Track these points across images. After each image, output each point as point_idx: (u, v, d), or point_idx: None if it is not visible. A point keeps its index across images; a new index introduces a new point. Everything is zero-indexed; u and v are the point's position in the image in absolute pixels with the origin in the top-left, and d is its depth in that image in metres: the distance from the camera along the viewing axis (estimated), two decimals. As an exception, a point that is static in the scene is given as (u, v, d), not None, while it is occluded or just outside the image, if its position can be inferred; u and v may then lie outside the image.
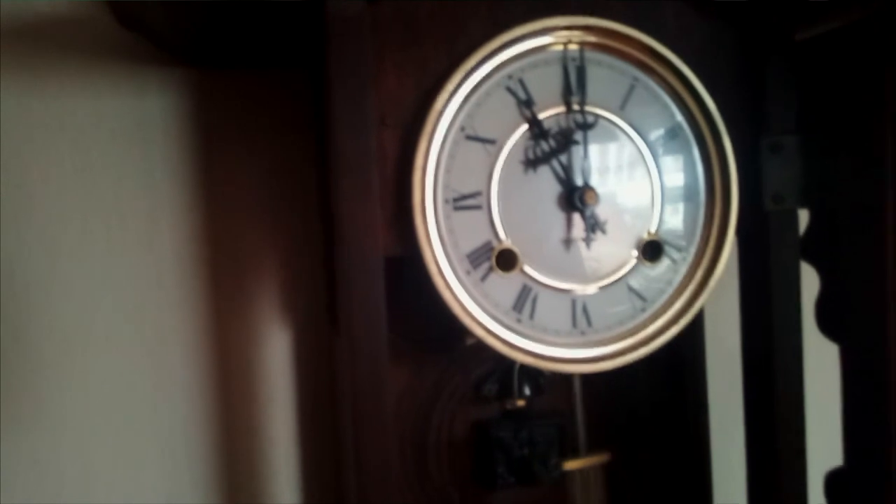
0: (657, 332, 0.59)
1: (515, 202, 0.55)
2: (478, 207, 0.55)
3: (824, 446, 0.66)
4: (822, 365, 0.64)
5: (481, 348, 0.68)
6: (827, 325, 0.64)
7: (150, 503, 0.68)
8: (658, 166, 0.59)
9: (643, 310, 0.59)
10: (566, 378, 0.72)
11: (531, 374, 0.71)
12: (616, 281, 0.58)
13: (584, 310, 0.57)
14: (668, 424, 0.74)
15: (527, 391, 0.71)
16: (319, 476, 0.72)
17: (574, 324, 0.57)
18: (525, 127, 0.55)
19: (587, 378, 0.66)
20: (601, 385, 0.69)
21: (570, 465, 0.63)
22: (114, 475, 0.67)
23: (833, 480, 0.65)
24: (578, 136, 0.56)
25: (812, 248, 0.64)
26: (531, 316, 0.56)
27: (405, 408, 0.70)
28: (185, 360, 0.69)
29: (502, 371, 0.71)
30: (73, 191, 0.65)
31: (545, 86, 0.56)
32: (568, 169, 0.56)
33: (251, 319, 0.71)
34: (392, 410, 0.66)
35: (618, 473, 0.67)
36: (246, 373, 0.70)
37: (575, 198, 0.56)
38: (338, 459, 0.72)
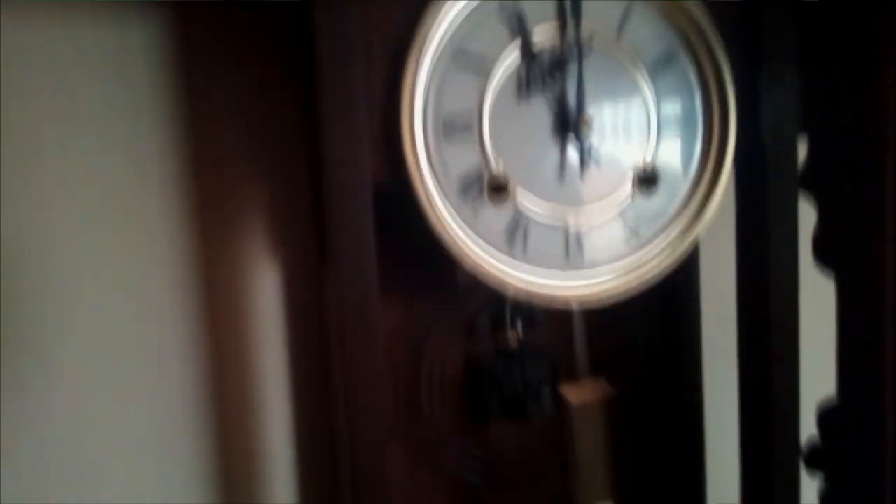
0: (651, 264, 0.58)
1: (508, 130, 0.54)
2: (469, 134, 0.53)
3: (818, 382, 0.66)
4: (817, 300, 0.64)
5: (474, 283, 0.69)
6: (824, 257, 0.63)
7: (141, 434, 0.68)
8: (655, 94, 0.57)
9: (637, 241, 0.58)
10: (560, 314, 0.71)
11: (524, 309, 0.71)
12: (611, 210, 0.57)
13: (578, 241, 0.56)
14: (661, 361, 0.74)
15: (520, 326, 0.71)
16: (311, 413, 0.72)
17: (567, 255, 0.56)
18: (518, 51, 0.53)
19: (582, 313, 0.65)
20: (594, 320, 0.68)
21: (570, 394, 0.63)
22: (103, 408, 0.67)
23: (826, 415, 0.65)
24: (573, 61, 0.54)
25: (810, 180, 0.63)
26: (523, 248, 0.55)
27: (396, 343, 0.69)
28: (172, 298, 0.68)
29: (495, 306, 0.71)
30: (54, 128, 0.63)
31: (539, 8, 0.54)
32: (562, 96, 0.55)
33: (239, 257, 0.69)
34: (382, 346, 0.66)
35: (611, 408, 0.66)
36: (235, 310, 0.69)
37: (569, 125, 0.54)
38: (329, 397, 0.71)
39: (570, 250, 0.56)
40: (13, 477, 0.64)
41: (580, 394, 0.63)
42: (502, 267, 0.55)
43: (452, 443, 0.71)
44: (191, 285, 0.68)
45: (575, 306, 0.62)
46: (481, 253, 0.54)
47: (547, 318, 0.71)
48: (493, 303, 0.70)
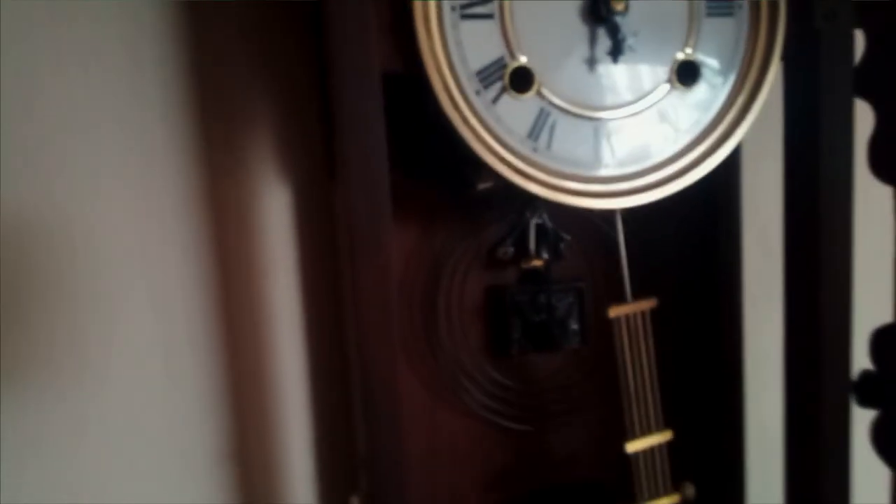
0: (690, 166, 0.52)
1: (533, 12, 0.49)
2: (489, 16, 0.48)
3: (873, 304, 0.60)
4: (872, 213, 0.58)
5: (494, 198, 0.64)
6: (881, 166, 0.58)
7: (148, 354, 0.64)
8: (696, -23, 0.51)
9: (675, 140, 0.52)
10: (587, 243, 0.66)
11: (550, 237, 0.66)
12: (646, 107, 0.51)
13: (609, 139, 0.51)
14: (698, 290, 0.68)
15: (545, 255, 0.66)
16: (323, 340, 0.68)
17: (597, 155, 0.51)
18: (543, -76, 0.48)
19: (608, 219, 0.60)
20: (625, 220, 0.63)
21: (616, 311, 0.58)
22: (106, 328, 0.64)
23: (881, 338, 0.60)
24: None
25: (868, 80, 0.57)
26: (548, 145, 0.50)
27: (413, 270, 0.65)
28: (179, 220, 0.64)
29: (519, 233, 0.66)
30: (54, 56, 0.59)
31: None
32: (593, -24, 0.49)
33: (247, 178, 0.65)
34: (397, 269, 0.62)
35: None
36: (243, 233, 0.66)
37: (600, 7, 0.49)
38: (341, 318, 0.67)
39: (600, 149, 0.51)
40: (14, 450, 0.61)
41: (625, 309, 0.58)
42: (526, 168, 0.50)
43: (473, 376, 0.67)
44: (197, 205, 0.64)
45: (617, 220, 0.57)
46: (503, 151, 0.50)
47: (573, 248, 0.67)
48: (516, 227, 0.66)
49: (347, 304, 0.65)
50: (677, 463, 0.64)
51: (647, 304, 0.58)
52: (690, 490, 0.61)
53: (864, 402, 0.61)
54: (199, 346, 0.65)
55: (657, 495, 0.60)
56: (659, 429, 0.59)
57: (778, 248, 0.61)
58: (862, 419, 0.61)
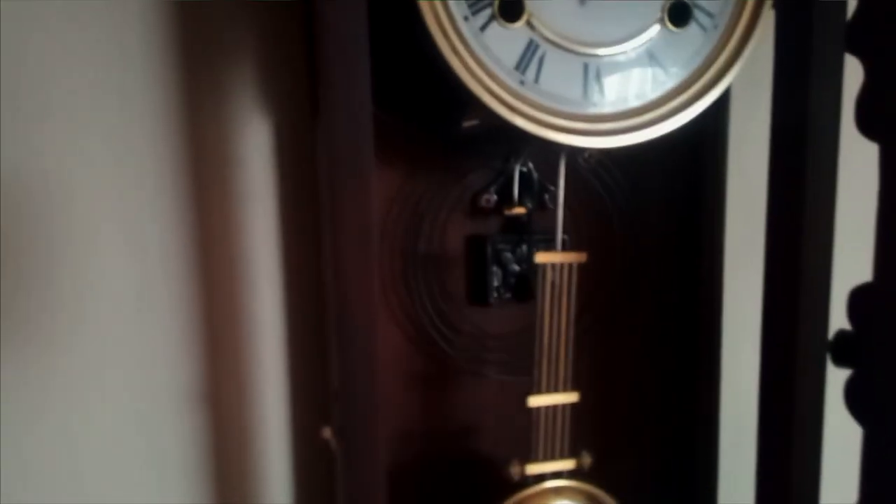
0: (677, 109, 0.52)
1: (525, -61, 0.48)
2: (480, -60, 0.47)
3: (853, 265, 0.60)
4: (855, 171, 0.58)
5: (478, 142, 0.63)
6: (868, 122, 0.57)
7: (122, 291, 0.63)
8: (692, -85, 0.50)
9: (664, 81, 0.52)
10: (572, 194, 0.66)
11: (534, 187, 0.65)
12: (636, 46, 0.51)
13: (598, 76, 0.50)
14: (679, 233, 0.68)
15: (528, 204, 0.65)
16: (298, 277, 0.67)
17: (585, 92, 0.50)
18: None
19: (594, 169, 0.59)
20: (608, 173, 0.62)
21: (543, 257, 0.57)
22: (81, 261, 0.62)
23: (858, 297, 0.60)
24: None
25: (859, 35, 0.57)
26: (536, 78, 0.50)
27: (393, 216, 0.64)
28: (157, 156, 0.62)
29: (502, 181, 0.65)
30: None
31: None
32: None
33: (226, 112, 0.64)
34: (378, 214, 0.61)
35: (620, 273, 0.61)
36: (223, 169, 0.64)
37: (594, -61, 0.48)
38: (317, 260, 0.66)
39: (589, 86, 0.50)
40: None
41: (553, 258, 0.57)
42: (512, 100, 0.49)
43: (450, 323, 0.66)
44: (175, 142, 0.63)
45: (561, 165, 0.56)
46: (490, 82, 0.49)
47: (557, 199, 0.66)
48: (500, 175, 0.65)
49: (325, 242, 0.64)
50: (648, 418, 0.64)
51: (576, 257, 0.57)
52: (587, 459, 0.60)
53: (839, 362, 0.61)
54: (173, 284, 0.64)
55: (553, 457, 0.59)
56: (566, 389, 0.59)
57: (760, 213, 0.61)
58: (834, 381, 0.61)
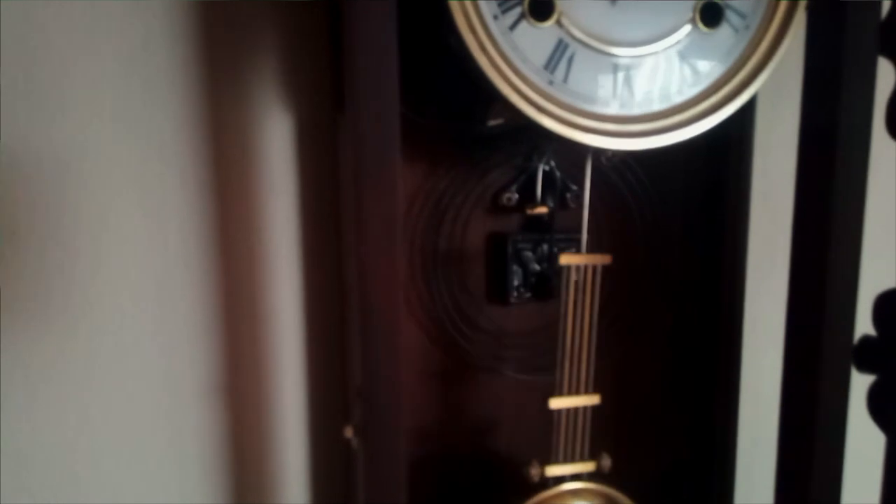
0: (710, 110, 0.51)
1: (557, -62, 0.47)
2: (511, -62, 0.46)
3: (880, 269, 0.59)
4: (885, 175, 0.57)
5: (501, 140, 0.63)
6: (899, 127, 0.56)
7: (141, 281, 0.63)
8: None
9: (694, 84, 0.51)
10: (594, 194, 0.65)
11: (557, 186, 0.65)
12: (667, 47, 0.50)
13: (627, 77, 0.50)
14: (701, 234, 0.67)
15: (550, 203, 0.65)
16: (319, 273, 0.67)
17: (614, 92, 0.50)
18: None
19: (617, 168, 0.59)
20: (630, 172, 0.62)
21: (567, 259, 0.57)
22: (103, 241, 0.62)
23: (884, 303, 0.59)
24: None
25: (891, 38, 0.56)
26: (565, 78, 0.49)
27: (415, 212, 0.64)
28: (177, 147, 0.62)
29: (524, 179, 0.65)
30: None
31: None
32: None
33: (249, 105, 0.64)
34: (401, 208, 0.60)
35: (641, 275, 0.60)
36: (244, 161, 0.64)
37: (627, -62, 0.47)
38: (338, 255, 0.66)
39: (618, 87, 0.50)
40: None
41: (577, 259, 0.57)
42: (540, 100, 0.49)
43: (470, 321, 0.66)
44: (198, 132, 0.62)
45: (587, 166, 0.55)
46: (518, 81, 0.48)
47: (580, 199, 0.65)
48: (522, 173, 0.64)
49: (345, 237, 0.64)
50: (667, 421, 0.63)
51: (600, 259, 0.57)
52: (607, 461, 0.60)
53: (863, 367, 0.60)
54: (193, 276, 0.64)
55: (573, 459, 0.59)
56: (588, 391, 0.59)
57: (783, 216, 0.60)
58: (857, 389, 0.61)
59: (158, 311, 0.64)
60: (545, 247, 0.66)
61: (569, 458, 0.58)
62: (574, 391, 0.58)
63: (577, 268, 0.56)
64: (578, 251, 0.59)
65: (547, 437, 0.60)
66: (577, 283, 0.55)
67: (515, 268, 0.65)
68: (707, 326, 0.68)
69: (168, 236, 0.63)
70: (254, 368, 0.66)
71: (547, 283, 0.66)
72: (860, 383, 0.60)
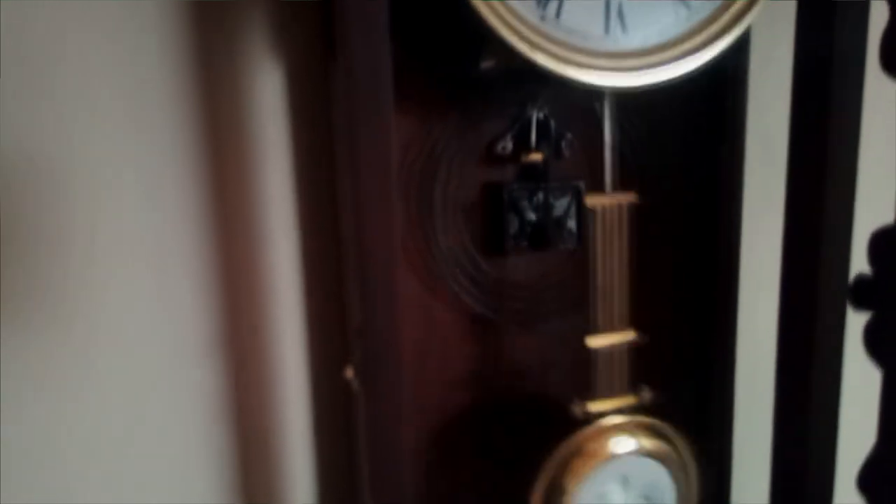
0: (702, 45, 0.51)
1: None
2: None
3: (873, 208, 0.59)
4: (879, 112, 0.57)
5: (495, 87, 0.62)
6: (893, 63, 0.56)
7: (137, 242, 0.63)
8: None
9: (688, 18, 0.51)
10: (589, 142, 0.65)
11: (551, 133, 0.65)
12: (658, -20, 0.50)
13: (620, 12, 0.50)
14: (697, 179, 0.67)
15: (545, 151, 0.65)
16: (315, 224, 0.67)
17: (607, 28, 0.50)
18: None
19: (612, 112, 0.59)
20: (629, 118, 0.62)
21: (593, 200, 0.57)
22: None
23: (880, 240, 0.59)
24: None
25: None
26: (557, 14, 0.49)
27: (409, 163, 0.63)
28: (169, 102, 0.62)
29: (519, 127, 0.65)
30: None
31: None
32: None
33: (239, 57, 0.63)
34: (396, 148, 0.60)
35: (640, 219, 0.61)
36: (236, 117, 0.64)
37: None
38: (334, 206, 0.66)
39: (611, 22, 0.50)
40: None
41: (603, 200, 0.58)
42: (533, 36, 0.49)
43: (467, 271, 0.66)
44: (189, 92, 0.62)
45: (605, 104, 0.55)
46: (510, 17, 0.48)
47: (574, 147, 0.66)
48: (517, 121, 0.64)
49: (341, 186, 0.64)
50: (661, 367, 0.64)
51: (625, 198, 0.57)
52: (647, 394, 0.61)
53: (859, 305, 0.61)
54: (189, 234, 0.64)
55: (614, 395, 0.60)
56: (624, 327, 0.59)
57: (779, 159, 0.60)
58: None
59: (155, 269, 0.63)
60: (541, 195, 0.66)
61: (609, 394, 0.59)
62: (609, 329, 0.58)
63: (605, 208, 0.57)
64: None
65: (560, 382, 0.60)
66: (604, 222, 0.56)
67: (512, 217, 0.65)
68: (704, 269, 0.69)
69: (164, 196, 0.63)
70: (253, 321, 0.66)
71: (543, 233, 0.66)
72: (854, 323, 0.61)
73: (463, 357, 0.67)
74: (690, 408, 0.68)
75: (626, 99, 0.61)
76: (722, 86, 0.62)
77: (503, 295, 0.67)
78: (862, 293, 0.61)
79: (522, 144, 0.64)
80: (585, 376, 0.60)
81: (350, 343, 0.64)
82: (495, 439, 0.67)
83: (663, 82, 0.51)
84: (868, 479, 0.60)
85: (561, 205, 0.66)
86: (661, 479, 0.61)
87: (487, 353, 0.68)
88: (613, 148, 0.61)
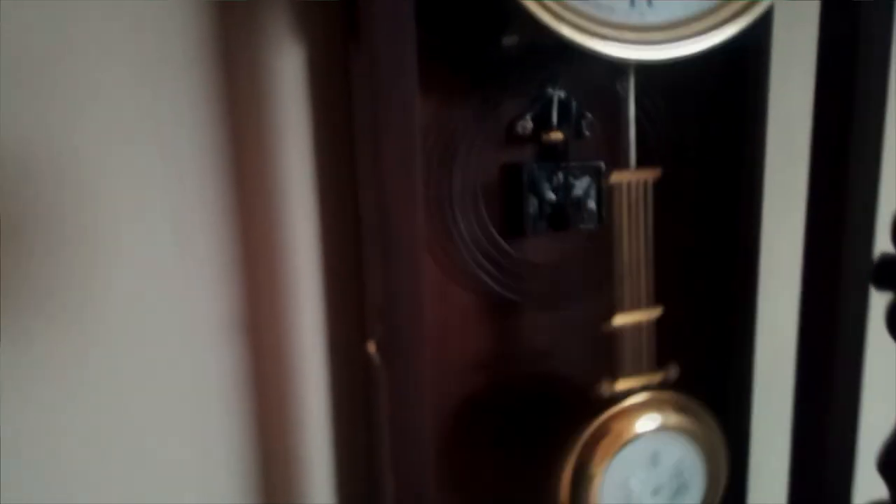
0: (725, 20, 0.51)
1: None
2: None
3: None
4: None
5: (516, 67, 0.62)
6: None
7: (158, 218, 0.63)
8: None
9: (712, -9, 0.50)
10: (609, 123, 0.65)
11: (572, 113, 0.64)
12: (684, -48, 0.50)
13: (645, -16, 0.49)
14: (718, 161, 0.67)
15: (567, 128, 0.65)
16: (334, 201, 0.67)
17: (632, 1, 0.49)
18: None
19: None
20: (649, 97, 0.62)
21: (617, 176, 0.57)
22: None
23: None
24: None
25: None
26: (583, -15, 0.49)
27: (428, 144, 0.63)
28: (190, 82, 0.62)
29: (538, 108, 0.64)
30: None
31: None
32: None
33: (260, 38, 0.63)
34: (418, 126, 0.60)
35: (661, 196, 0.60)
36: (256, 96, 0.64)
37: None
38: (354, 186, 0.66)
39: (636, -6, 0.49)
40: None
41: (627, 176, 0.57)
42: (557, 8, 0.48)
43: (487, 252, 0.66)
44: (206, 64, 0.62)
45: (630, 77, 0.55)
46: (534, -9, 0.48)
47: (595, 128, 0.65)
48: (537, 100, 0.64)
49: (361, 164, 0.64)
50: (681, 344, 0.63)
51: (649, 174, 0.57)
52: (674, 371, 0.61)
53: (881, 285, 0.60)
54: (209, 211, 0.64)
55: (640, 373, 0.60)
56: (648, 305, 0.59)
57: (801, 138, 0.60)
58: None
59: (175, 248, 0.64)
60: (560, 176, 0.65)
61: (635, 372, 0.59)
62: (635, 306, 0.58)
63: (629, 184, 0.57)
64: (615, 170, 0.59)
65: (581, 363, 0.60)
66: (628, 198, 0.56)
67: (531, 198, 0.65)
68: (724, 247, 0.68)
69: (184, 175, 0.63)
70: (273, 299, 0.66)
71: (563, 213, 0.66)
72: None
73: (483, 339, 0.66)
74: (710, 386, 0.67)
75: (647, 77, 0.61)
76: (743, 63, 0.62)
77: (523, 276, 0.67)
78: (885, 273, 0.60)
79: (542, 125, 0.64)
80: (608, 357, 0.60)
81: (369, 320, 0.64)
82: (519, 422, 0.67)
83: (688, 56, 0.51)
84: (888, 462, 0.60)
85: (581, 185, 0.66)
86: (689, 456, 0.61)
87: (508, 335, 0.67)
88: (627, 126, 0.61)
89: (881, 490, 0.59)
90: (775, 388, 0.68)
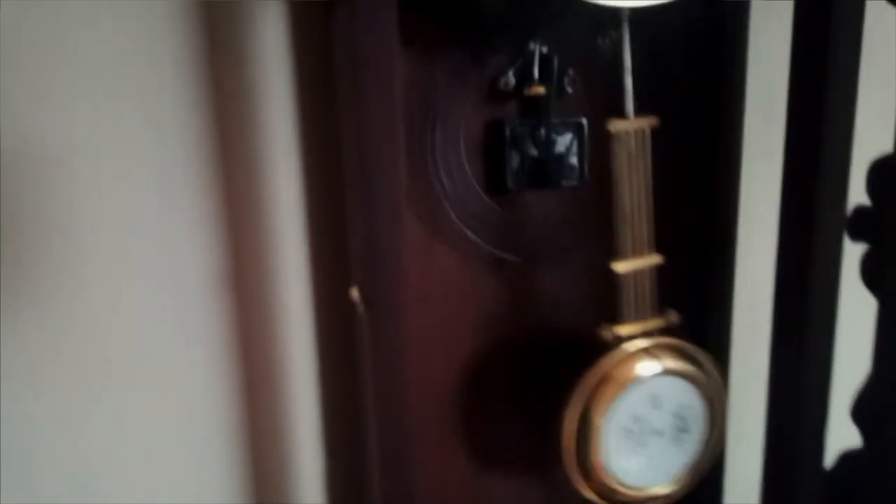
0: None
1: None
2: None
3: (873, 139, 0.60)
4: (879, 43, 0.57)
5: (498, 22, 0.62)
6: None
7: (141, 177, 0.63)
8: None
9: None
10: (591, 79, 0.65)
11: (554, 68, 0.65)
12: None
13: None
14: (698, 116, 0.68)
15: (549, 84, 0.65)
16: (316, 161, 0.67)
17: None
18: None
19: (613, 49, 0.59)
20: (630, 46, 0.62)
21: (617, 125, 0.58)
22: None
23: (878, 170, 0.60)
24: None
25: None
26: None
27: (411, 102, 0.63)
28: (171, 44, 0.61)
29: (520, 64, 0.65)
30: None
31: None
32: None
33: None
34: (400, 76, 0.60)
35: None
36: (238, 57, 0.63)
37: None
38: (335, 142, 0.66)
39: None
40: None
41: (626, 125, 0.58)
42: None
43: (470, 210, 0.66)
44: (191, 31, 0.62)
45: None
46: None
47: (577, 84, 0.66)
48: (519, 57, 0.64)
49: (344, 123, 0.64)
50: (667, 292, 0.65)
51: (647, 122, 0.58)
52: (674, 316, 0.62)
53: (856, 236, 0.61)
54: (192, 172, 0.64)
55: (640, 318, 0.61)
56: (650, 252, 0.60)
57: (779, 89, 0.61)
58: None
59: (160, 204, 0.64)
60: (543, 131, 0.66)
61: (637, 317, 0.60)
62: (637, 254, 0.59)
63: (628, 133, 0.58)
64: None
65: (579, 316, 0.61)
66: (627, 147, 0.57)
67: (513, 154, 0.66)
68: (706, 197, 0.69)
69: (167, 130, 0.63)
70: (257, 252, 0.67)
71: (545, 170, 0.66)
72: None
73: (474, 296, 0.67)
74: (691, 334, 0.69)
75: (630, 32, 0.61)
76: (722, 14, 0.62)
77: (509, 233, 0.67)
78: (860, 225, 0.61)
79: (525, 80, 0.64)
80: (602, 306, 0.61)
81: (353, 267, 0.65)
82: (521, 374, 0.68)
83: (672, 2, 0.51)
84: (862, 410, 0.61)
85: (563, 141, 0.66)
86: (690, 398, 0.62)
87: (499, 291, 0.68)
88: (614, 85, 0.61)
89: (854, 436, 0.61)
90: (753, 336, 0.70)
